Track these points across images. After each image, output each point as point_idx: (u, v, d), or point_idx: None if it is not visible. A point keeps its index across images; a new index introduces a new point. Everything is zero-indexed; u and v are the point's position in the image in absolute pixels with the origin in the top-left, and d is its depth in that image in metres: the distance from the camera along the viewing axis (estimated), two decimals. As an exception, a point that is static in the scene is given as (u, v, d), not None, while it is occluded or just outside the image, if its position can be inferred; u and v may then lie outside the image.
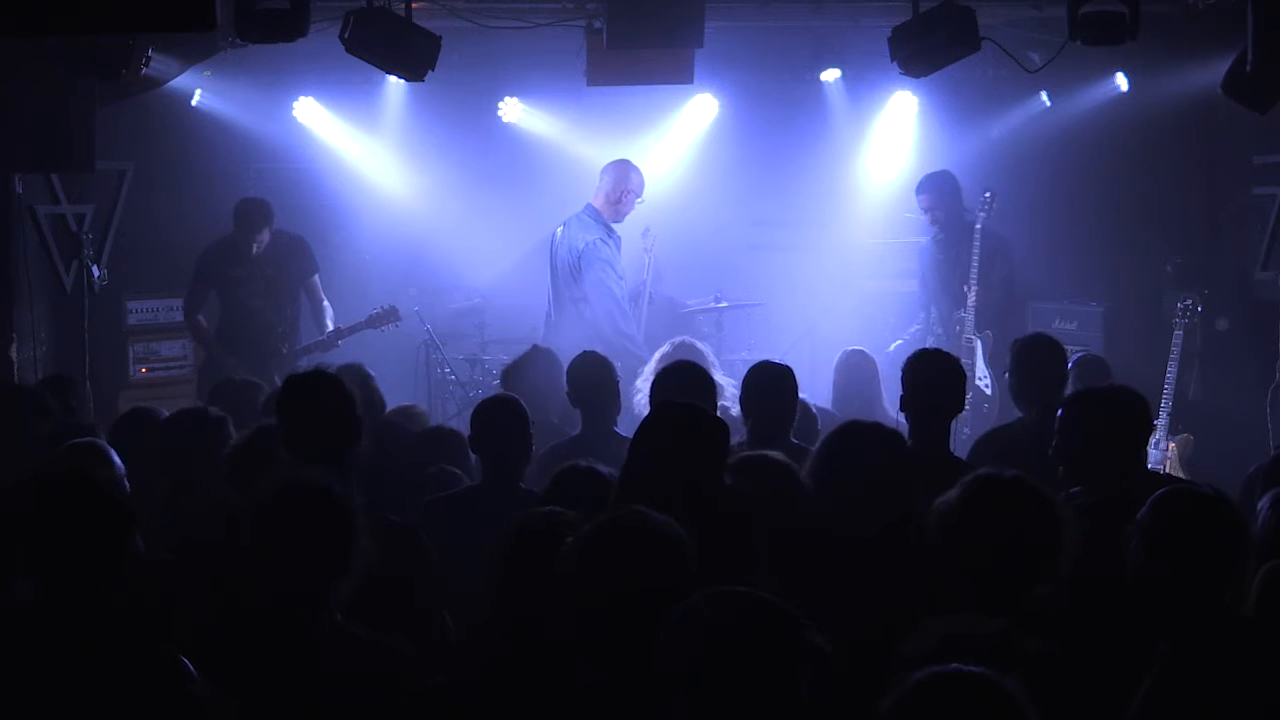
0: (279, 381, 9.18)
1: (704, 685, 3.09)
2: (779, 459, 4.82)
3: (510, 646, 3.73)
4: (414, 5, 8.44)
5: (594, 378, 6.94)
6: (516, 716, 3.64)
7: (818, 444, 4.97)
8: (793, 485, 4.65)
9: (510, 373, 7.71)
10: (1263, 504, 4.80)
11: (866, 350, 8.95)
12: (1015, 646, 3.16)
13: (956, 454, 6.17)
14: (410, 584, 4.81)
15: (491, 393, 7.21)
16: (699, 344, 8.95)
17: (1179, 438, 9.31)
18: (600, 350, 7.50)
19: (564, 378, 7.12)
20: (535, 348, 7.93)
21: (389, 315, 10.10)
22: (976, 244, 10.27)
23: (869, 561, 4.41)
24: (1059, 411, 5.35)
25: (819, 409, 7.71)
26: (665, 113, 11.67)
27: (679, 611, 3.17)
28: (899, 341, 10.51)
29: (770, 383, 6.19)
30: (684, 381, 6.04)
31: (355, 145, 11.63)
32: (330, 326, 10.00)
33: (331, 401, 5.02)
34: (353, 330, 10.00)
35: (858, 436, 4.81)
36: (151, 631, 3.67)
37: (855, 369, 8.60)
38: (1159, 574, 3.89)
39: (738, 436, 6.03)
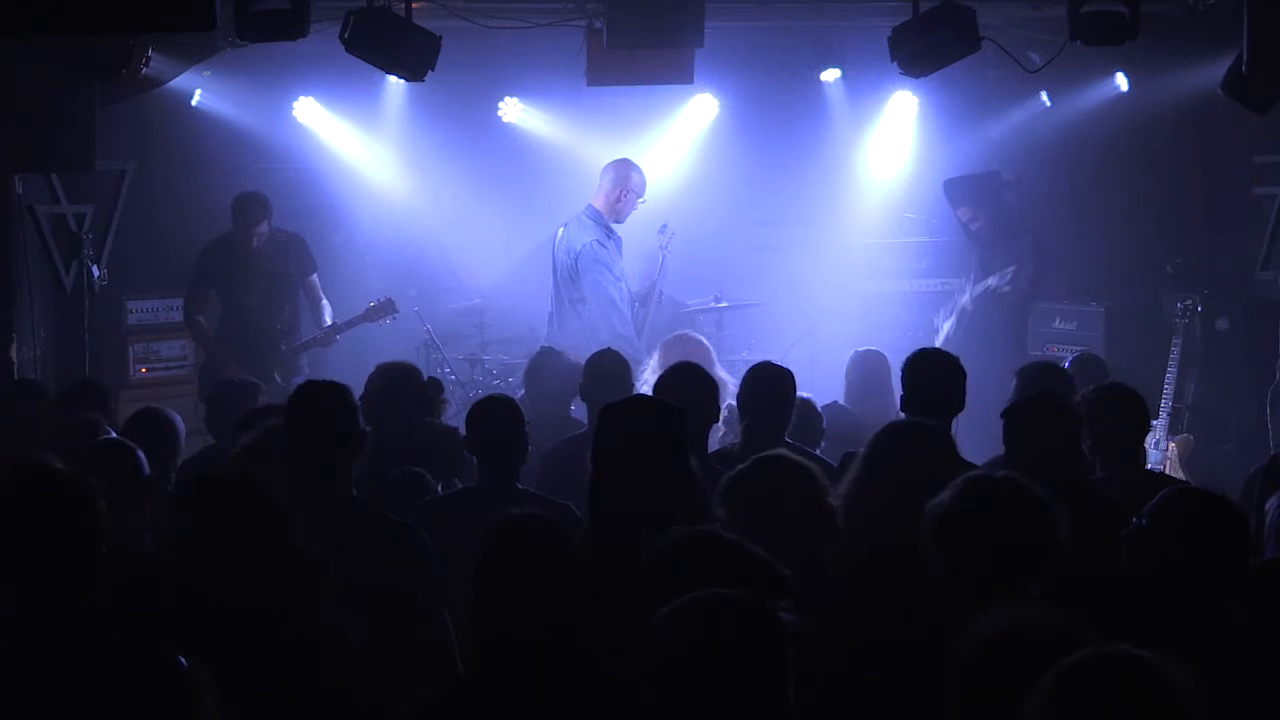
0: (279, 379, 9.34)
1: (687, 689, 3.07)
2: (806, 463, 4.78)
3: (490, 648, 3.72)
4: (414, 5, 8.44)
5: (609, 376, 6.94)
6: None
7: (865, 447, 4.95)
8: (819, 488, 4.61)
9: (527, 374, 7.85)
10: (1271, 503, 4.81)
11: (879, 350, 8.90)
12: (1082, 638, 3.11)
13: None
14: (412, 584, 4.81)
15: (489, 393, 7.22)
16: (702, 338, 8.97)
17: (1179, 438, 9.30)
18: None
19: (577, 374, 7.18)
20: (545, 348, 7.98)
21: (386, 307, 10.04)
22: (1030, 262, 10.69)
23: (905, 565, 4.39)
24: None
25: (839, 406, 7.72)
26: (665, 113, 11.66)
27: (663, 614, 3.15)
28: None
29: (769, 383, 6.19)
30: (682, 382, 6.01)
31: (355, 145, 11.63)
32: (329, 323, 10.00)
33: (335, 415, 5.03)
34: (350, 324, 9.98)
35: (905, 437, 4.84)
36: (141, 629, 3.64)
37: (870, 369, 8.55)
38: (1164, 573, 3.90)
39: (734, 435, 6.06)
